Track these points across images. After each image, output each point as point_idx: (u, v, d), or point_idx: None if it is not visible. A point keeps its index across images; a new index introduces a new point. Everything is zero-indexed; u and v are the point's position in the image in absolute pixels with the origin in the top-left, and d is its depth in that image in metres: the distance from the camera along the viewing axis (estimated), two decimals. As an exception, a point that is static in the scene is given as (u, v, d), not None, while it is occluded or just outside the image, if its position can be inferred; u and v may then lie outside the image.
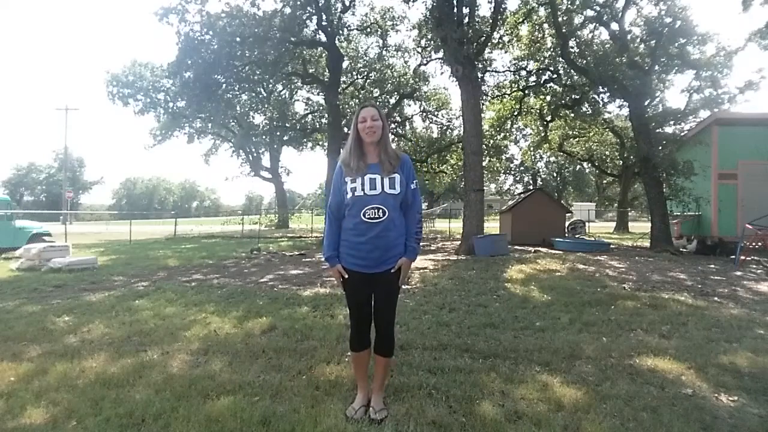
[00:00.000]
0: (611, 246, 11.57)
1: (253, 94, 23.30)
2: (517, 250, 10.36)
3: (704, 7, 71.60)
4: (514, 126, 19.61)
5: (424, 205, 42.12)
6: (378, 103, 20.20)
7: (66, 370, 2.89)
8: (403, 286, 2.40)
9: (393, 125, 22.01)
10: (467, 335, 3.67)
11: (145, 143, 28.26)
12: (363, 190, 2.14)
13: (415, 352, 3.22)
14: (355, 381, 2.51)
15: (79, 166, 62.37)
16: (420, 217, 2.33)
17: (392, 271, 2.22)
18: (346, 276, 2.23)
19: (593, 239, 13.78)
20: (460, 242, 10.89)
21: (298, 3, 12.64)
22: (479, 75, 13.26)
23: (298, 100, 25.01)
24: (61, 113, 43.88)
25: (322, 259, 2.61)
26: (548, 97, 16.44)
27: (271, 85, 21.40)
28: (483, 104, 15.44)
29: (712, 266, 8.07)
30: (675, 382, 2.71)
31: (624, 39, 12.24)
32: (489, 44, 13.24)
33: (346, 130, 19.05)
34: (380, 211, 2.13)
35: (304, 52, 15.57)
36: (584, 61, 12.66)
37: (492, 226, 18.13)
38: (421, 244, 2.21)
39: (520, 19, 14.55)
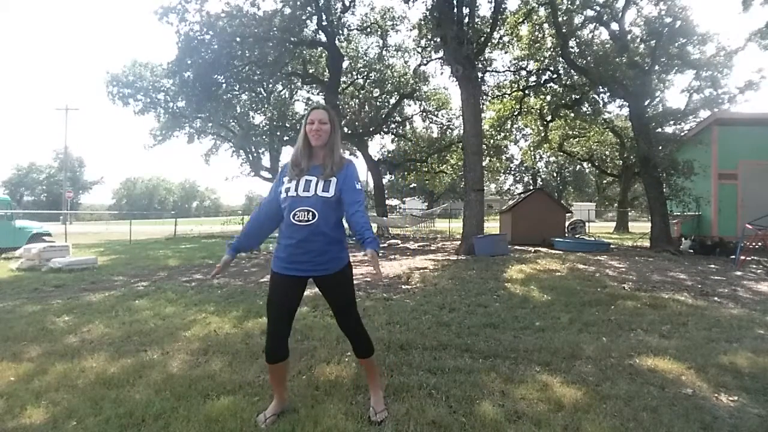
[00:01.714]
0: (611, 246, 11.56)
1: (253, 94, 23.27)
2: (517, 250, 10.36)
3: (704, 7, 71.61)
4: (514, 126, 19.59)
5: (424, 205, 42.20)
6: (378, 103, 20.23)
7: (66, 370, 2.89)
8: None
9: (393, 125, 22.02)
10: (467, 335, 3.67)
11: (145, 143, 28.15)
12: (297, 191, 2.10)
13: (415, 352, 3.22)
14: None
15: (79, 166, 62.34)
16: (361, 207, 2.12)
17: (334, 274, 2.16)
18: (218, 269, 2.27)
19: (593, 239, 13.78)
20: (460, 242, 10.89)
21: (298, 3, 12.63)
22: (479, 75, 13.26)
23: (298, 100, 24.99)
24: (61, 113, 43.84)
25: None
26: (548, 97, 16.42)
27: (271, 85, 21.39)
28: (483, 104, 15.43)
29: (712, 266, 8.06)
30: (675, 382, 2.71)
31: (624, 39, 12.24)
32: (489, 44, 13.24)
33: (346, 129, 19.09)
34: (309, 213, 2.07)
35: (304, 52, 15.58)
36: (584, 61, 12.65)
37: (492, 226, 18.13)
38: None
39: (520, 19, 14.54)
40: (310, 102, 23.51)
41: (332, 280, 2.19)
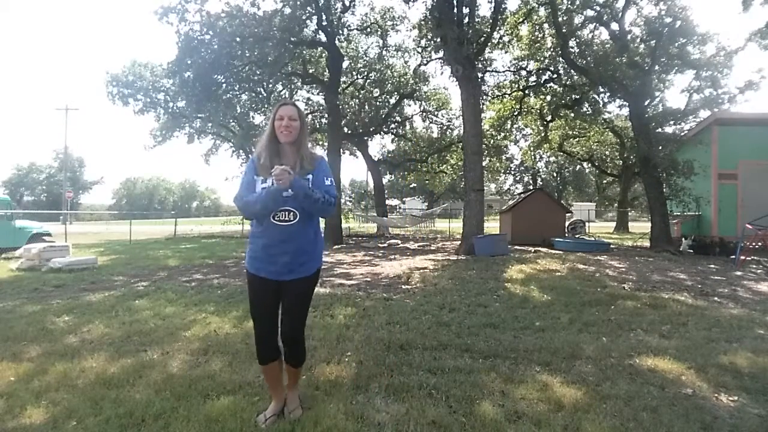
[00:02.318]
0: (611, 246, 11.57)
1: (253, 94, 23.27)
2: (517, 250, 10.36)
3: (704, 7, 71.62)
4: (514, 126, 19.59)
5: (423, 205, 42.20)
6: (378, 103, 20.23)
7: (66, 370, 2.89)
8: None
9: (393, 125, 22.01)
10: (467, 335, 3.67)
11: (145, 143, 28.23)
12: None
13: (415, 352, 3.22)
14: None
15: (79, 166, 62.34)
16: (325, 196, 2.06)
17: (306, 277, 2.15)
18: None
19: (593, 239, 13.78)
20: (460, 242, 10.89)
21: (298, 3, 12.63)
22: (479, 75, 13.25)
23: (298, 100, 25.00)
24: (61, 113, 43.86)
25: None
26: (548, 97, 16.43)
27: (271, 85, 21.39)
28: (483, 104, 15.43)
29: (712, 266, 8.06)
30: (675, 382, 2.71)
31: (624, 39, 12.24)
32: (489, 44, 13.23)
33: (346, 129, 19.10)
34: (291, 213, 2.05)
35: (304, 52, 15.57)
36: (584, 61, 12.65)
37: (492, 226, 18.13)
38: (325, 203, 2.06)
39: (520, 19, 14.54)
40: (309, 102, 23.54)
41: (303, 284, 2.17)
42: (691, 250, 10.46)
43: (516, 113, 17.81)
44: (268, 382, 2.31)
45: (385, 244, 13.92)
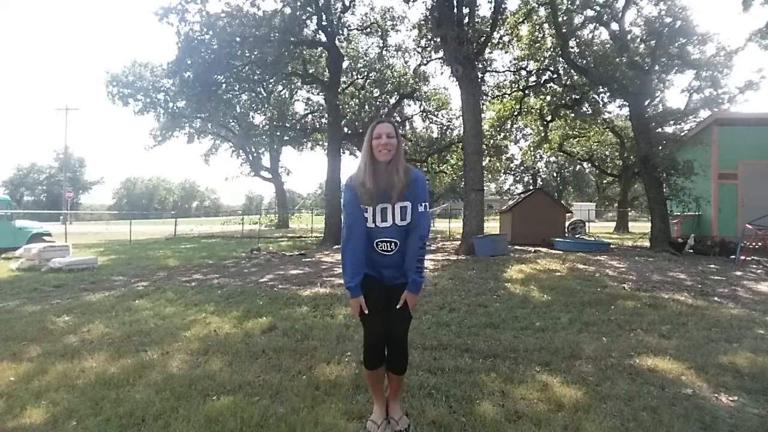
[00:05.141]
0: (611, 246, 11.56)
1: (253, 94, 23.30)
2: (517, 250, 10.36)
3: (704, 7, 71.64)
4: (514, 126, 19.58)
5: (424, 205, 42.09)
6: (378, 103, 20.21)
7: (66, 370, 2.89)
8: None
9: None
10: (467, 335, 3.67)
11: (145, 143, 28.25)
12: (375, 222, 2.05)
13: (415, 352, 3.22)
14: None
15: (79, 166, 62.36)
16: (423, 243, 2.11)
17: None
18: (366, 312, 2.07)
19: (593, 239, 13.78)
20: (460, 242, 10.88)
21: (298, 3, 12.64)
22: (479, 75, 13.23)
23: (298, 100, 25.04)
24: (61, 113, 43.91)
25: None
26: (548, 97, 16.43)
27: (271, 85, 21.42)
28: (483, 104, 15.41)
29: (712, 266, 8.06)
30: (675, 382, 2.71)
31: (624, 39, 12.23)
32: (489, 44, 13.22)
33: (346, 129, 19.09)
34: (392, 244, 2.08)
35: (304, 52, 15.57)
36: (584, 61, 12.65)
37: (492, 226, 18.12)
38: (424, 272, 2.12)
39: (520, 19, 14.53)
40: (309, 102, 23.55)
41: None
42: (692, 251, 10.46)
43: (516, 113, 17.80)
44: (374, 389, 2.25)
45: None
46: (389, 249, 2.08)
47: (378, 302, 2.11)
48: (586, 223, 19.56)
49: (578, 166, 39.60)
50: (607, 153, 25.07)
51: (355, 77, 20.11)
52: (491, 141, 18.91)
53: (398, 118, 19.77)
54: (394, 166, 2.05)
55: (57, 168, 58.94)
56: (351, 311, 2.18)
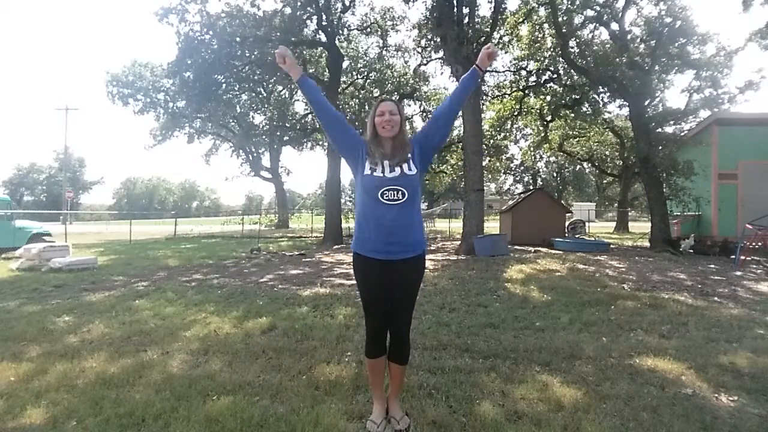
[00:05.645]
0: (611, 246, 11.56)
1: (253, 94, 23.27)
2: (517, 250, 10.36)
3: (704, 7, 71.66)
4: (514, 126, 19.61)
5: (423, 206, 42.24)
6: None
7: (66, 370, 2.89)
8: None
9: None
10: (467, 335, 3.67)
11: (145, 143, 28.26)
12: (383, 172, 2.05)
13: (415, 352, 3.22)
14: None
15: (79, 166, 62.37)
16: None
17: (412, 258, 2.09)
18: (285, 60, 2.13)
19: (593, 239, 13.77)
20: (460, 242, 10.88)
21: (298, 3, 12.64)
22: (479, 75, 13.23)
23: (298, 100, 24.99)
24: (61, 113, 43.91)
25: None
26: (548, 97, 16.43)
27: (271, 85, 21.39)
28: (483, 104, 15.43)
29: (712, 266, 8.06)
30: (675, 382, 2.71)
31: (624, 39, 12.23)
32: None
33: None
34: (399, 192, 2.02)
35: (304, 52, 15.58)
36: (584, 61, 12.65)
37: (492, 226, 18.13)
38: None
39: (520, 19, 14.54)
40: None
41: (413, 264, 2.11)
42: (692, 251, 10.45)
43: (516, 113, 17.81)
44: (374, 381, 2.23)
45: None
46: (396, 198, 2.02)
47: (378, 289, 2.11)
48: (586, 223, 19.55)
49: (578, 166, 39.57)
50: (607, 153, 25.07)
51: (355, 77, 20.10)
52: (491, 141, 18.91)
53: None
54: (399, 142, 2.14)
55: (57, 168, 58.93)
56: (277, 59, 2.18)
